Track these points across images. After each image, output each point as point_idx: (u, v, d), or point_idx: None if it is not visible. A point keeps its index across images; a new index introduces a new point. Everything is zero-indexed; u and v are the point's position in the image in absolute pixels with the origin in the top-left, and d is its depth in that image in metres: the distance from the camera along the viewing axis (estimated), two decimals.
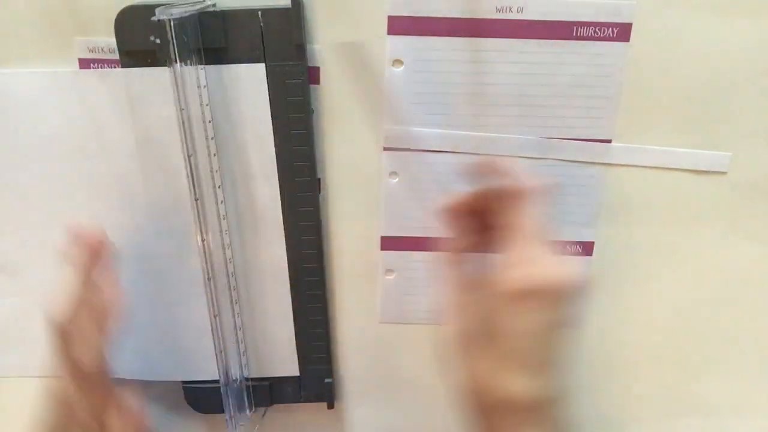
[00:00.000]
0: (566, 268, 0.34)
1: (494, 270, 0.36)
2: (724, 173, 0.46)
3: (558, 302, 0.35)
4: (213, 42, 0.42)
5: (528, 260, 0.35)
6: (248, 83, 0.43)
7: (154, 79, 0.43)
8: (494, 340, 0.36)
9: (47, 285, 0.44)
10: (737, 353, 0.51)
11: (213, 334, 0.47)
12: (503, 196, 0.37)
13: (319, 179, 0.47)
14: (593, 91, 0.44)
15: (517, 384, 0.35)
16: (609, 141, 0.46)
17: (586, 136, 0.46)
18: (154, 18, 0.39)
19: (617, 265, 0.49)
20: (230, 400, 0.50)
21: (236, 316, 0.49)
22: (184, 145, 0.42)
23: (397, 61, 0.44)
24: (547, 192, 0.36)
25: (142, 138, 0.45)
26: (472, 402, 0.37)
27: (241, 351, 0.50)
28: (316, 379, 0.52)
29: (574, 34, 0.43)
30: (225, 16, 0.42)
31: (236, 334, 0.49)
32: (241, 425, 0.51)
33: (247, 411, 0.52)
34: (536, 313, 0.35)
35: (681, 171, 0.46)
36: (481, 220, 0.39)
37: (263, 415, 0.54)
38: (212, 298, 0.46)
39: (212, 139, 0.44)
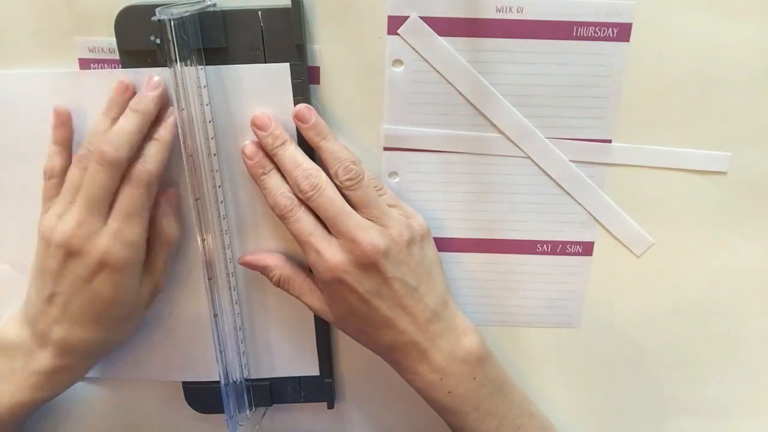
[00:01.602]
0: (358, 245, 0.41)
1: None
2: (724, 173, 0.46)
3: (353, 283, 0.42)
4: (213, 42, 0.42)
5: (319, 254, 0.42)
6: (248, 83, 0.43)
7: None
8: (342, 319, 0.45)
9: None
10: (737, 353, 0.51)
11: (213, 335, 0.47)
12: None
13: None
14: (593, 92, 0.44)
15: (382, 337, 0.43)
16: (609, 141, 0.46)
17: (586, 136, 0.46)
18: (154, 18, 0.39)
19: (617, 265, 0.49)
20: (230, 400, 0.50)
21: (236, 316, 0.49)
22: (184, 144, 0.42)
23: (397, 61, 0.44)
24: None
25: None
26: (371, 350, 0.45)
27: (241, 351, 0.50)
28: (316, 379, 0.52)
29: (574, 35, 0.43)
30: (225, 16, 0.42)
31: (236, 334, 0.49)
32: (241, 425, 0.51)
33: (247, 411, 0.52)
34: (345, 296, 0.43)
35: (681, 171, 0.46)
36: None
37: (263, 415, 0.54)
38: (212, 299, 0.46)
39: (212, 139, 0.44)
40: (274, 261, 0.46)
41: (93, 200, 0.40)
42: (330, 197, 0.42)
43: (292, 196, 0.42)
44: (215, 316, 0.47)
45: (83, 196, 0.41)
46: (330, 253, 0.41)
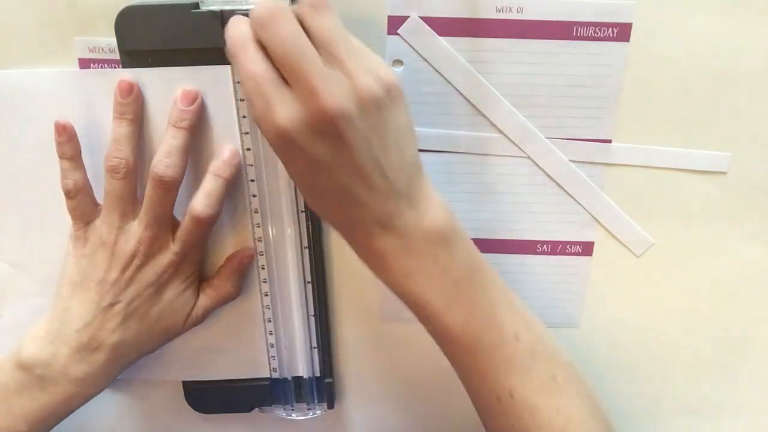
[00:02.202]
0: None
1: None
2: (724, 173, 0.46)
3: (302, 143, 0.35)
4: (213, 42, 0.42)
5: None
6: None
7: (155, 79, 0.42)
8: (293, 183, 0.42)
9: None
10: (737, 353, 0.51)
11: (212, 334, 0.48)
12: None
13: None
14: (593, 91, 0.45)
15: (334, 212, 0.39)
16: (609, 141, 0.46)
17: (586, 137, 0.46)
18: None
19: (617, 266, 0.49)
20: (230, 400, 0.50)
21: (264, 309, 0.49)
22: (241, 139, 0.44)
23: (397, 61, 0.44)
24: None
25: (142, 138, 0.44)
26: (327, 222, 0.43)
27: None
28: (316, 379, 0.52)
29: (574, 34, 0.43)
30: (224, 16, 0.41)
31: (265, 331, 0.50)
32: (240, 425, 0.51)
33: (247, 411, 0.52)
34: (292, 157, 0.36)
35: (681, 171, 0.46)
36: None
37: (262, 416, 0.54)
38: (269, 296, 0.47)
39: (247, 134, 0.44)
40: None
41: (158, 217, 0.42)
42: (291, 29, 0.34)
43: (247, 29, 0.35)
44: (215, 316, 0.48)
45: (150, 214, 0.42)
46: (280, 106, 0.34)
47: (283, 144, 0.35)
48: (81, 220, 0.43)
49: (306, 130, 0.34)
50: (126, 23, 0.42)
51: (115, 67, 0.43)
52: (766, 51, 0.43)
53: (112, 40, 0.42)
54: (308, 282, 0.49)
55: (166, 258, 0.43)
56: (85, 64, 0.44)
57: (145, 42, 0.42)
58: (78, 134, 0.43)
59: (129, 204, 0.43)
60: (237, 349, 0.50)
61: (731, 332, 0.51)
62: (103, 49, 0.43)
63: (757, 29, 0.43)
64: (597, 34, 0.43)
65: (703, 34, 0.43)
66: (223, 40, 0.41)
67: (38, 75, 0.44)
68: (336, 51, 0.35)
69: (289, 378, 0.52)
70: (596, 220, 0.48)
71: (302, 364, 0.51)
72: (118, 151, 0.42)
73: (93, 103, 0.43)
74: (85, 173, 0.43)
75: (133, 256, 0.42)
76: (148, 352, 0.46)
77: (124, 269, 0.42)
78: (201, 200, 0.42)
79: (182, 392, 0.52)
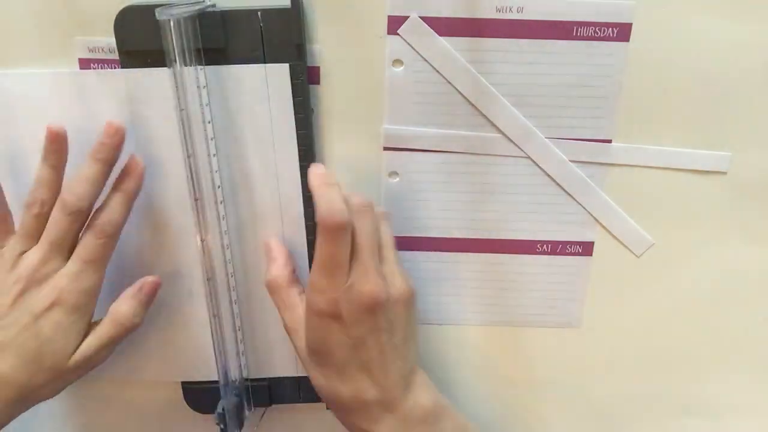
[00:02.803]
0: (362, 289, 0.39)
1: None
2: (724, 173, 0.46)
3: (355, 322, 0.40)
4: (213, 42, 0.42)
5: (321, 290, 0.40)
6: (248, 83, 0.44)
7: (154, 79, 0.43)
8: (319, 355, 0.42)
9: None
10: (737, 353, 0.51)
11: (212, 335, 0.47)
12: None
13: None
14: (593, 91, 0.45)
15: (347, 390, 0.42)
16: (609, 141, 0.46)
17: (586, 136, 0.46)
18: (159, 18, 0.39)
19: (617, 266, 0.49)
20: (228, 400, 0.50)
21: (236, 316, 0.49)
22: (184, 145, 0.42)
23: (397, 61, 0.44)
24: (340, 225, 0.39)
25: (142, 138, 0.45)
26: (329, 403, 0.44)
27: (240, 351, 0.50)
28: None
29: (574, 34, 0.43)
30: (225, 16, 0.42)
31: (235, 335, 0.50)
32: (240, 426, 0.51)
33: (246, 411, 0.52)
34: (339, 333, 0.40)
35: (681, 171, 0.46)
36: None
37: (262, 416, 0.54)
38: (212, 298, 0.47)
39: (212, 139, 0.44)
40: (283, 260, 0.46)
41: (55, 242, 0.42)
42: (373, 223, 0.41)
43: (344, 208, 0.40)
44: (214, 316, 0.47)
45: (46, 237, 0.42)
46: (337, 281, 0.40)
47: (329, 314, 0.40)
48: (22, 241, 0.43)
49: (354, 310, 0.40)
50: (126, 23, 0.42)
51: (114, 68, 0.44)
52: (766, 51, 0.43)
53: (112, 40, 0.42)
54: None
55: (50, 283, 0.42)
56: (85, 64, 0.44)
57: (144, 42, 0.42)
58: (77, 134, 0.43)
59: (37, 238, 0.43)
60: (236, 349, 0.50)
61: (731, 332, 0.51)
62: (103, 49, 0.43)
63: (756, 29, 0.43)
64: (597, 34, 0.43)
65: (703, 33, 0.43)
66: (223, 40, 0.42)
67: (38, 75, 0.44)
68: (385, 254, 0.43)
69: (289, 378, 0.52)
70: (596, 220, 0.48)
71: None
72: (37, 191, 0.42)
73: (92, 103, 0.44)
74: (57, 194, 0.42)
75: (16, 281, 0.42)
76: (40, 391, 0.43)
77: (7, 293, 0.42)
78: (73, 188, 0.42)
79: (182, 392, 0.53)
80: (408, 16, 0.43)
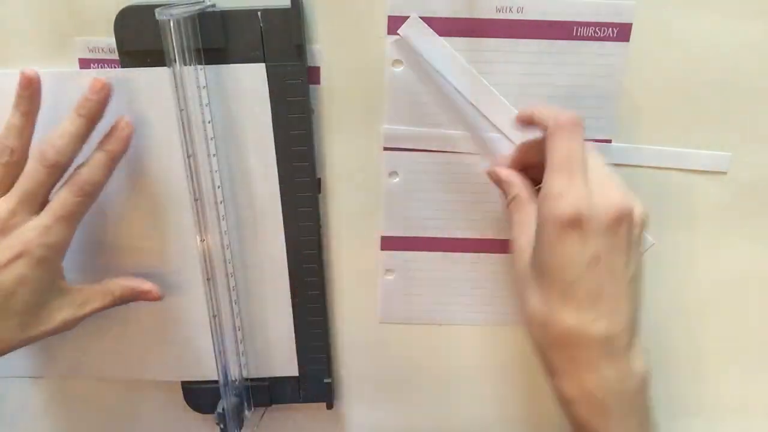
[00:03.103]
0: (607, 198, 0.37)
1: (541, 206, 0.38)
2: (724, 173, 0.47)
3: (596, 234, 0.37)
4: (213, 42, 0.43)
5: (560, 192, 0.37)
6: (248, 83, 0.44)
7: (154, 79, 0.43)
8: (544, 274, 0.38)
9: None
10: (737, 353, 0.51)
11: (212, 335, 0.48)
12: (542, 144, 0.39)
13: (319, 179, 0.47)
14: (593, 91, 0.45)
15: (570, 318, 0.37)
16: (609, 141, 0.46)
17: (586, 137, 0.46)
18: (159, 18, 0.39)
19: None
20: (228, 399, 0.50)
21: (236, 316, 0.50)
22: (184, 145, 0.43)
23: (397, 61, 0.45)
24: (576, 123, 0.38)
25: (142, 138, 0.45)
26: (537, 338, 0.40)
27: (240, 351, 0.51)
28: (316, 379, 0.52)
29: (574, 34, 0.44)
30: (225, 17, 0.42)
31: (235, 334, 0.50)
32: (240, 426, 0.52)
33: (246, 411, 0.52)
34: (576, 244, 0.37)
35: (681, 171, 0.47)
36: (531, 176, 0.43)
37: (262, 416, 0.54)
38: (212, 299, 0.47)
39: (212, 139, 0.45)
40: (518, 180, 0.43)
41: (27, 193, 0.41)
42: (580, 143, 0.39)
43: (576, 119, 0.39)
44: (214, 316, 0.47)
45: (18, 188, 0.41)
46: (577, 182, 0.37)
47: (568, 227, 0.37)
48: None
49: (598, 219, 0.37)
50: (126, 23, 0.42)
51: (115, 68, 0.44)
52: (766, 51, 0.44)
53: (112, 40, 0.43)
54: (308, 282, 0.49)
55: (16, 235, 0.41)
56: (85, 64, 0.44)
57: (144, 42, 0.42)
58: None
59: (5, 188, 0.41)
60: (236, 349, 0.51)
61: (732, 332, 0.51)
62: (103, 49, 0.44)
63: (756, 29, 0.43)
64: (597, 34, 0.43)
65: (703, 34, 0.43)
66: (223, 40, 0.42)
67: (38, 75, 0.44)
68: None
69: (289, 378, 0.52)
70: None
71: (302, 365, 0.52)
72: (6, 139, 0.41)
73: None
74: (27, 144, 0.42)
75: None
76: (17, 343, 0.43)
77: None
78: (53, 141, 0.41)
79: (182, 392, 0.53)
80: (408, 16, 0.43)
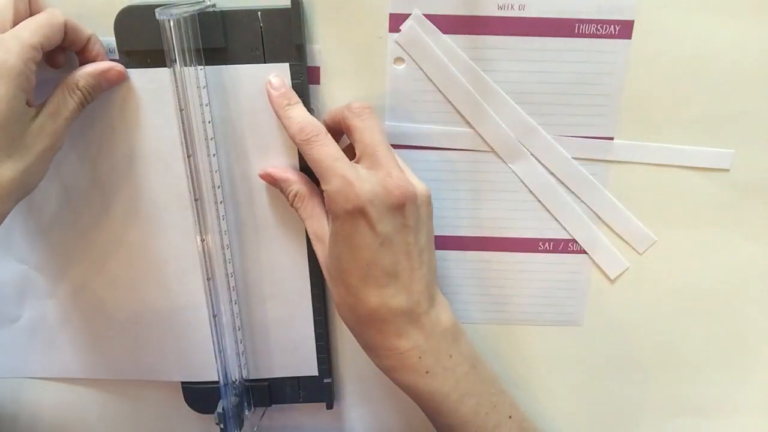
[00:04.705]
0: (390, 184, 0.41)
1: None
2: (726, 170, 0.47)
3: (382, 219, 0.41)
4: (213, 42, 0.43)
5: (342, 187, 0.40)
6: (248, 83, 0.45)
7: (154, 79, 0.44)
8: (342, 262, 0.42)
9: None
10: (737, 353, 0.52)
11: (212, 335, 0.49)
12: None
13: None
14: (595, 89, 0.46)
15: (373, 298, 0.42)
16: (611, 138, 0.47)
17: (588, 134, 0.47)
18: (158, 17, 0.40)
19: (619, 263, 0.50)
20: (228, 400, 0.51)
21: (236, 316, 0.51)
22: (184, 145, 0.44)
23: (399, 59, 0.45)
24: (367, 107, 0.42)
25: (142, 138, 0.46)
26: (348, 321, 0.44)
27: (240, 351, 0.52)
28: (315, 379, 0.53)
29: (576, 32, 0.44)
30: (225, 16, 0.43)
31: (235, 334, 0.51)
32: (240, 425, 0.53)
33: (246, 411, 0.53)
34: (366, 232, 0.41)
35: (683, 168, 0.47)
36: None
37: (262, 416, 0.55)
38: (212, 299, 0.48)
39: (212, 139, 0.46)
40: (294, 176, 0.46)
41: None
42: (380, 124, 0.43)
43: (320, 123, 0.43)
44: (214, 316, 0.48)
45: None
46: (360, 180, 0.40)
47: (355, 215, 0.40)
48: None
49: (381, 205, 0.40)
50: (125, 23, 0.43)
51: None
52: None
53: (112, 40, 0.43)
54: (308, 282, 0.50)
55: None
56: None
57: (144, 42, 0.43)
58: (77, 135, 0.45)
59: None
60: (237, 349, 0.52)
61: (733, 331, 0.52)
62: None
63: (759, 25, 0.44)
64: (599, 31, 0.44)
65: (705, 31, 0.44)
66: (223, 41, 0.43)
67: (38, 75, 0.44)
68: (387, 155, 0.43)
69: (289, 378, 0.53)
70: (598, 217, 0.49)
71: (301, 365, 0.53)
72: None
73: (92, 103, 0.44)
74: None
75: None
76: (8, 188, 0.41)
77: None
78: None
79: (182, 392, 0.54)
80: (409, 14, 0.44)
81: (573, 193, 0.49)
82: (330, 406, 0.54)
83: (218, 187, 0.47)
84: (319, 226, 0.45)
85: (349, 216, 0.40)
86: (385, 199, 0.40)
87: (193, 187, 0.45)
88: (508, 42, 0.45)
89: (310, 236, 0.46)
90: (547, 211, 0.49)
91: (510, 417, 0.47)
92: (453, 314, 0.45)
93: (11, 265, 0.50)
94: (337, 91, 0.46)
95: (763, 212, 0.49)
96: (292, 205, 0.46)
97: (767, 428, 0.54)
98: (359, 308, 0.43)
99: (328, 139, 0.42)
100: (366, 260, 0.41)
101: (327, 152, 0.41)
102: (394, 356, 0.43)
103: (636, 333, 0.52)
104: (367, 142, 0.42)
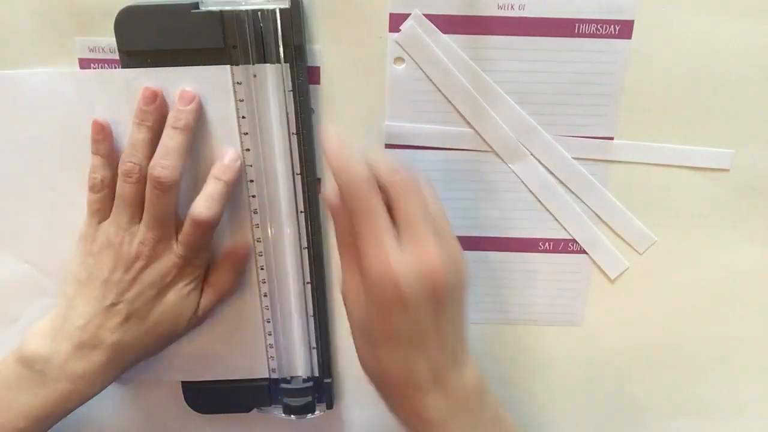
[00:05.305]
0: (426, 266, 0.39)
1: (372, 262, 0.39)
2: (726, 170, 0.47)
3: (418, 308, 0.39)
4: (212, 42, 0.44)
5: (384, 268, 0.39)
6: (248, 83, 0.45)
7: (154, 79, 0.44)
8: (373, 331, 0.42)
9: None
10: (737, 353, 0.52)
11: (212, 335, 0.49)
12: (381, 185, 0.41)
13: (319, 179, 0.48)
14: (595, 89, 0.46)
15: (398, 364, 0.41)
16: (611, 138, 0.47)
17: (589, 134, 0.47)
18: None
19: (619, 263, 0.50)
20: (230, 400, 0.52)
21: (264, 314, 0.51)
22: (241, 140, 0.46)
23: (399, 59, 0.46)
24: (414, 185, 0.40)
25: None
26: (371, 378, 0.44)
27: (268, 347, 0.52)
28: (316, 379, 0.53)
29: (576, 32, 0.45)
30: (224, 16, 0.43)
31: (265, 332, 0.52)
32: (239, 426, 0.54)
33: (246, 411, 0.54)
34: (401, 320, 0.40)
35: (683, 168, 0.48)
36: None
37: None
38: (261, 299, 0.49)
39: (246, 134, 0.46)
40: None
41: (158, 218, 0.45)
42: (423, 196, 0.41)
43: (367, 172, 0.40)
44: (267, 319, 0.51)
45: (151, 216, 0.45)
46: (397, 255, 0.39)
47: (385, 287, 0.39)
48: (96, 217, 0.46)
49: (415, 284, 0.39)
50: (126, 23, 0.43)
51: (115, 67, 0.45)
52: None
53: (112, 40, 0.44)
54: (307, 282, 0.51)
55: (169, 260, 0.46)
56: (85, 64, 0.45)
57: (144, 42, 0.43)
58: (77, 135, 0.45)
59: (138, 208, 0.45)
60: (236, 349, 0.52)
61: (733, 331, 0.52)
62: (103, 49, 0.45)
63: (759, 25, 0.44)
64: (599, 31, 0.45)
65: (705, 30, 0.44)
66: (222, 41, 0.44)
67: (38, 75, 0.45)
68: (441, 226, 0.42)
69: (288, 378, 0.54)
70: (598, 217, 0.49)
71: (301, 365, 0.53)
72: (133, 156, 0.44)
73: (93, 103, 0.45)
74: (115, 173, 0.45)
75: (136, 258, 0.45)
76: (150, 355, 0.48)
77: (127, 270, 0.45)
78: (202, 203, 0.45)
79: (182, 392, 0.54)
80: (410, 14, 0.45)
81: (573, 193, 0.49)
82: (330, 406, 0.55)
83: (251, 182, 0.48)
84: (353, 281, 0.43)
85: (378, 285, 0.39)
86: (418, 278, 0.39)
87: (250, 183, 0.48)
88: (508, 42, 0.45)
89: (342, 288, 0.44)
90: (547, 211, 0.50)
91: None
92: (480, 375, 0.44)
93: (11, 265, 0.51)
94: (337, 91, 0.46)
95: (763, 212, 0.49)
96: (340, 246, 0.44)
97: (767, 428, 0.55)
98: (384, 373, 0.42)
99: (380, 198, 0.40)
100: (387, 330, 0.41)
101: (376, 215, 0.40)
102: (416, 417, 0.42)
103: (636, 333, 0.53)
104: (410, 216, 0.40)
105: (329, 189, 0.40)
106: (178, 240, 0.46)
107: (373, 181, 0.40)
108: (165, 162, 0.44)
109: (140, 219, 0.45)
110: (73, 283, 0.46)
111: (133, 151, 0.44)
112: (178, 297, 0.47)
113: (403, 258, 0.39)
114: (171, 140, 0.44)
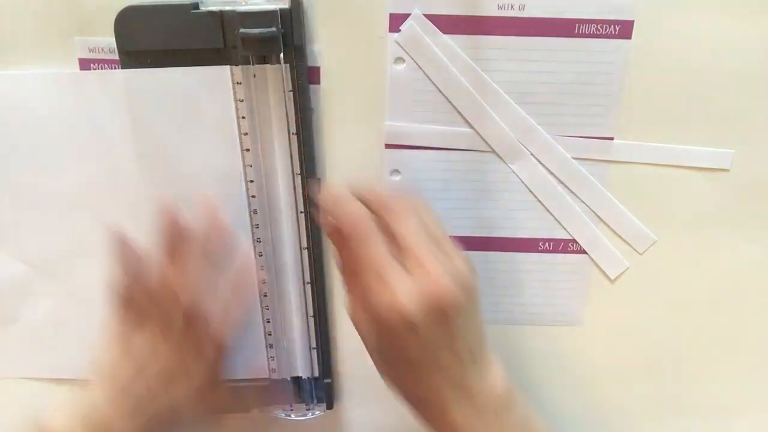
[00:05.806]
0: (432, 288, 0.38)
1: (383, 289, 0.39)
2: (726, 170, 0.48)
3: (428, 331, 0.39)
4: (212, 42, 0.44)
5: (391, 297, 0.39)
6: (248, 83, 0.45)
7: (154, 79, 0.44)
8: (390, 360, 0.42)
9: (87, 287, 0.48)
10: (737, 353, 0.53)
11: (262, 333, 0.50)
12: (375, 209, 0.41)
13: (319, 179, 0.48)
14: (595, 89, 0.46)
15: (421, 388, 0.41)
16: (611, 138, 0.47)
17: (588, 134, 0.47)
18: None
19: (619, 263, 0.51)
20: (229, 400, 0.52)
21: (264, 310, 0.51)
22: (241, 141, 0.46)
23: (399, 59, 0.46)
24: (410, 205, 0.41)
25: (142, 138, 0.46)
26: (397, 396, 0.43)
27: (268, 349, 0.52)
28: (316, 379, 0.54)
29: (576, 32, 0.45)
30: (224, 17, 0.43)
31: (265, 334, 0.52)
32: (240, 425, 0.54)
33: (246, 411, 0.54)
34: (413, 346, 0.40)
35: (683, 168, 0.48)
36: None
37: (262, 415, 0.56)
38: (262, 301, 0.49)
39: (246, 134, 0.46)
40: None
41: (190, 341, 0.46)
42: (418, 220, 0.41)
43: (364, 211, 0.41)
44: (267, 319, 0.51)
45: (180, 336, 0.46)
46: (404, 291, 0.38)
47: (393, 319, 0.39)
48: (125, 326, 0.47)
49: (422, 309, 0.38)
50: (126, 23, 0.44)
51: (115, 68, 0.45)
52: None
53: (112, 40, 0.44)
54: (307, 282, 0.51)
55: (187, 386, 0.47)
56: (85, 64, 0.46)
57: (144, 42, 0.44)
58: (76, 135, 0.45)
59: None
60: (236, 349, 0.51)
61: (732, 332, 0.52)
62: (103, 49, 0.45)
63: (759, 24, 0.44)
64: (599, 31, 0.45)
65: (704, 30, 0.44)
66: (222, 41, 0.44)
67: (38, 75, 0.45)
68: (442, 243, 0.41)
69: (288, 378, 0.54)
70: (598, 217, 0.50)
71: (301, 365, 0.53)
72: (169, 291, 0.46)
73: (93, 103, 0.45)
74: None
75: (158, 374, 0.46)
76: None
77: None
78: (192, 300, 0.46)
79: None
80: (410, 14, 0.45)
81: (573, 193, 0.49)
82: (330, 406, 0.55)
83: (251, 182, 0.48)
84: (365, 320, 0.42)
85: (392, 323, 0.39)
86: (426, 304, 0.38)
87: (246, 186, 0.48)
88: (508, 42, 0.45)
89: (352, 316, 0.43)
90: (547, 211, 0.50)
91: None
92: (506, 378, 0.43)
93: (11, 265, 0.51)
94: (337, 91, 0.47)
95: (763, 212, 0.49)
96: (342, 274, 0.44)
97: (767, 428, 0.55)
98: (408, 395, 0.43)
99: (379, 235, 0.40)
100: (403, 359, 0.41)
101: (377, 252, 0.40)
102: (444, 428, 0.42)
103: (636, 333, 0.53)
104: (408, 240, 0.40)
105: (329, 220, 0.41)
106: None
107: (369, 218, 0.40)
108: (183, 285, 0.46)
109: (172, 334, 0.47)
110: (99, 372, 0.47)
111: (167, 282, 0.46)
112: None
113: (407, 286, 0.38)
114: (197, 272, 0.46)
